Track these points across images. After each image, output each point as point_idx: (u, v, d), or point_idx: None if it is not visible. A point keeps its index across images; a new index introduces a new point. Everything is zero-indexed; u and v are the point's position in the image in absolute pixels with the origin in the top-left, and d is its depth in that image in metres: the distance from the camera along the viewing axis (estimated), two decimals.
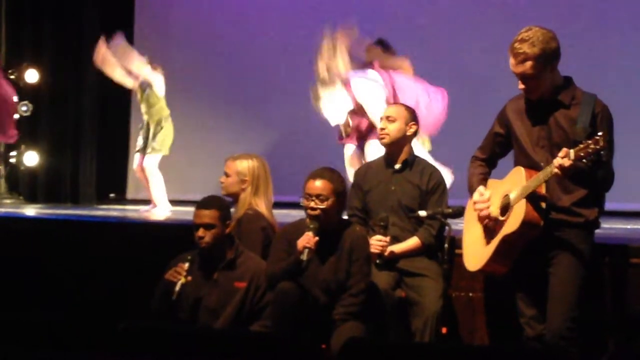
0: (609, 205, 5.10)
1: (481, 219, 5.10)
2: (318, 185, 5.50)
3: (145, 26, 11.63)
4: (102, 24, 11.33)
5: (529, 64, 4.82)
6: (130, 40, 11.44)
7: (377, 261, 5.72)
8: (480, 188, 5.12)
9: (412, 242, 5.87)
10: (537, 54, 4.82)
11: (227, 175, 6.19)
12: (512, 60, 4.88)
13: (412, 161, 6.04)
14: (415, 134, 6.11)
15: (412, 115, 6.10)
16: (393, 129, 6.02)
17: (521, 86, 4.92)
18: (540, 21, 5.05)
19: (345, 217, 5.90)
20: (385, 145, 6.07)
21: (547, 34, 4.86)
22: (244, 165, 6.14)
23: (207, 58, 11.40)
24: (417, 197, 5.93)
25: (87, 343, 4.04)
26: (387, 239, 5.79)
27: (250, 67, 11.17)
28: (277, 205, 6.35)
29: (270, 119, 11.05)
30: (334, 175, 5.60)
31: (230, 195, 6.16)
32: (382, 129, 6.04)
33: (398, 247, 5.84)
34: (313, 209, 5.48)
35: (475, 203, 5.13)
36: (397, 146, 6.03)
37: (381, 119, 6.12)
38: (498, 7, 10.35)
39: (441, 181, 6.01)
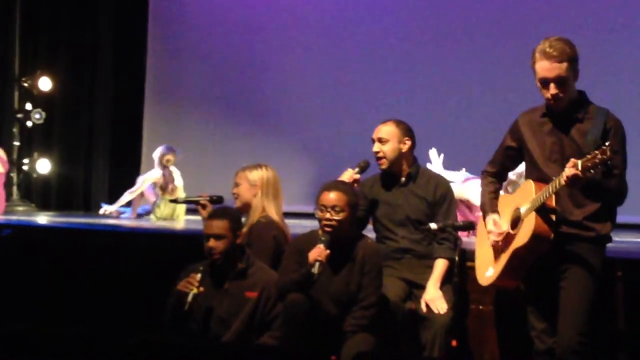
0: (620, 218, 5.07)
1: (493, 245, 5.07)
2: (333, 197, 5.49)
3: (158, 37, 11.65)
4: (115, 33, 11.38)
5: (565, 65, 4.78)
6: (143, 49, 11.51)
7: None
8: (495, 217, 5.07)
9: (440, 265, 5.76)
10: (571, 56, 4.80)
11: (237, 185, 6.23)
12: (545, 64, 4.79)
13: (416, 173, 5.97)
14: (412, 147, 5.95)
15: (404, 131, 5.94)
16: (388, 150, 5.91)
17: (553, 91, 4.82)
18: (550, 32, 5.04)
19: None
20: (385, 170, 5.98)
21: (570, 42, 4.85)
22: (254, 173, 6.20)
23: (221, 69, 11.40)
24: (425, 209, 5.88)
25: (98, 356, 4.04)
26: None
27: (264, 78, 11.17)
28: (292, 215, 6.33)
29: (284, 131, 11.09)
30: (347, 187, 5.61)
31: (244, 205, 6.18)
32: (377, 152, 5.93)
33: (434, 280, 5.72)
34: (328, 220, 5.48)
35: (489, 232, 5.08)
36: (397, 164, 5.94)
37: (373, 140, 5.97)
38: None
39: (448, 191, 5.94)
